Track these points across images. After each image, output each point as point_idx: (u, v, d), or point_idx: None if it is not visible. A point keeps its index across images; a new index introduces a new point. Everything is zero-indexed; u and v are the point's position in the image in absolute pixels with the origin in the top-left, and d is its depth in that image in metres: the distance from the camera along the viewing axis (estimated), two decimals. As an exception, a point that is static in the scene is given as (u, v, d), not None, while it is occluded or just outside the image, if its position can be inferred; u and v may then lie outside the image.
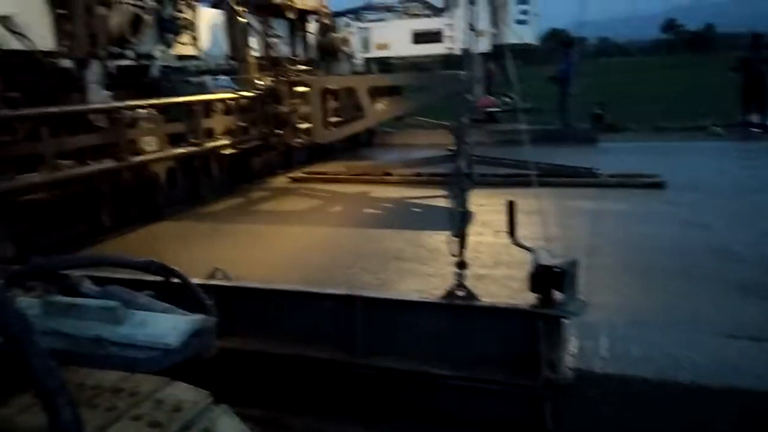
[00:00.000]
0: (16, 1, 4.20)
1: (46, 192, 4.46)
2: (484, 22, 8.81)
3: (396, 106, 7.88)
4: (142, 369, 1.78)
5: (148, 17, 4.97)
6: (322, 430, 2.66)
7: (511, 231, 2.62)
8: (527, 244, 2.58)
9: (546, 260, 2.41)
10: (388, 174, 6.84)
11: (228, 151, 6.25)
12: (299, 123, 6.98)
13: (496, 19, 9.51)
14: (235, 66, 6.90)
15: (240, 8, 6.50)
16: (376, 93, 7.32)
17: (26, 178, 4.04)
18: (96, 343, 1.81)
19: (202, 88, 6.31)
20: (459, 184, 2.51)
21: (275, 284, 2.95)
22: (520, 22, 9.54)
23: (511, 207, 2.61)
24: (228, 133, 6.26)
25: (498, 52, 9.30)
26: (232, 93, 6.50)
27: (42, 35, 4.37)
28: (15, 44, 4.17)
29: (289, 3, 7.31)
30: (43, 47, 4.36)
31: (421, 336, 2.63)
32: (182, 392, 2.00)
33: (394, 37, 9.92)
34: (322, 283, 3.13)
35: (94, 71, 5.10)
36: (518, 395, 2.48)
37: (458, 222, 2.54)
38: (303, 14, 8.00)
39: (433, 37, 9.82)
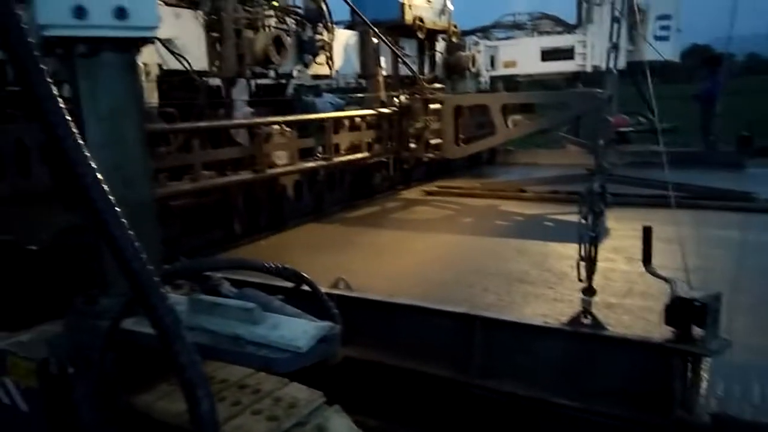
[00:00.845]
0: (178, 26, 4.68)
1: (191, 199, 4.90)
2: (621, 39, 8.44)
3: (528, 124, 7.86)
4: (275, 369, 1.91)
5: (290, 39, 5.31)
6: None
7: (647, 259, 2.48)
8: (664, 273, 2.42)
9: (685, 292, 2.25)
10: (523, 191, 6.84)
11: (352, 166, 6.48)
12: (431, 139, 7.26)
13: (633, 35, 9.04)
14: (362, 84, 7.22)
15: (373, 29, 6.75)
16: (508, 110, 7.44)
17: (177, 185, 4.47)
18: (234, 341, 1.96)
19: (312, 107, 6.69)
20: (590, 205, 2.41)
21: (395, 298, 3.01)
22: (660, 38, 9.00)
23: (647, 233, 2.47)
24: (353, 148, 6.49)
25: (634, 69, 8.83)
26: (363, 110, 6.78)
27: (197, 56, 4.83)
28: (174, 64, 4.64)
29: (420, 24, 7.48)
30: (197, 67, 4.80)
31: (541, 362, 2.55)
32: (298, 392, 2.13)
33: (521, 55, 9.77)
34: (443, 300, 3.12)
35: (239, 89, 5.56)
36: (645, 434, 2.32)
37: (587, 245, 2.43)
38: (432, 34, 8.14)
39: (563, 54, 9.55)
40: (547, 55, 9.67)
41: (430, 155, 7.33)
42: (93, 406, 2.18)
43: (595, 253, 2.45)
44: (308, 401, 2.09)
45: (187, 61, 4.60)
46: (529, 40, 9.93)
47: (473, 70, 8.74)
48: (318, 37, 5.81)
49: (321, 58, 6.02)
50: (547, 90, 10.20)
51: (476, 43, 9.56)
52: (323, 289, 2.34)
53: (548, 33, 9.84)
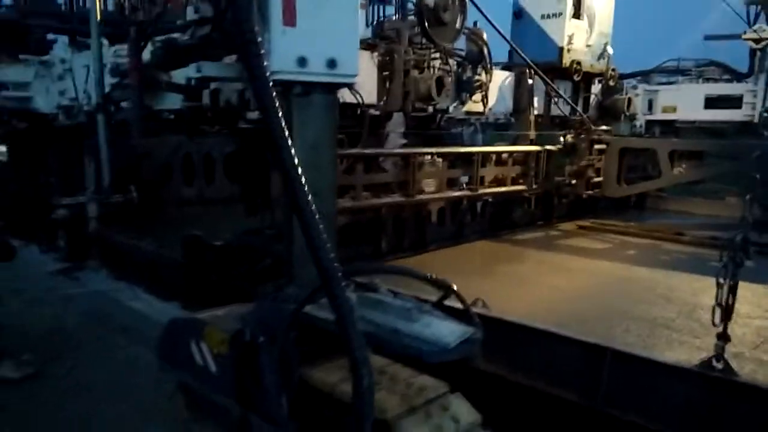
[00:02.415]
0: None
1: (348, 216, 5.50)
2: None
3: (694, 171, 7.79)
4: (426, 359, 2.30)
5: (450, 79, 5.79)
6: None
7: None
8: None
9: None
10: (681, 234, 6.84)
11: (495, 198, 6.79)
12: (592, 177, 7.64)
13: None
14: (511, 120, 7.56)
15: (529, 71, 7.05)
16: (674, 156, 7.55)
17: (341, 202, 5.09)
18: (393, 333, 2.39)
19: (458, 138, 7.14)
20: (731, 254, 2.53)
21: (528, 321, 3.26)
22: None
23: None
24: (497, 182, 6.80)
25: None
26: (512, 146, 7.09)
27: (368, 91, 5.46)
28: (348, 98, 5.30)
29: (577, 67, 7.65)
30: (367, 101, 5.43)
31: (667, 399, 2.67)
32: (427, 380, 2.52)
33: (683, 101, 9.47)
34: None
35: (395, 120, 6.15)
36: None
37: (725, 293, 2.55)
38: (589, 76, 8.24)
39: (730, 102, 9.12)
40: (712, 102, 9.30)
41: (590, 192, 7.69)
42: (274, 373, 2.70)
43: (733, 300, 2.54)
44: (435, 388, 2.46)
45: (360, 96, 5.23)
46: (693, 86, 9.62)
47: (628, 113, 8.66)
48: (476, 77, 6.23)
49: (477, 96, 6.42)
50: (710, 138, 9.74)
51: (635, 87, 9.44)
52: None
53: (714, 80, 9.45)
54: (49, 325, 4.65)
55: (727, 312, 2.56)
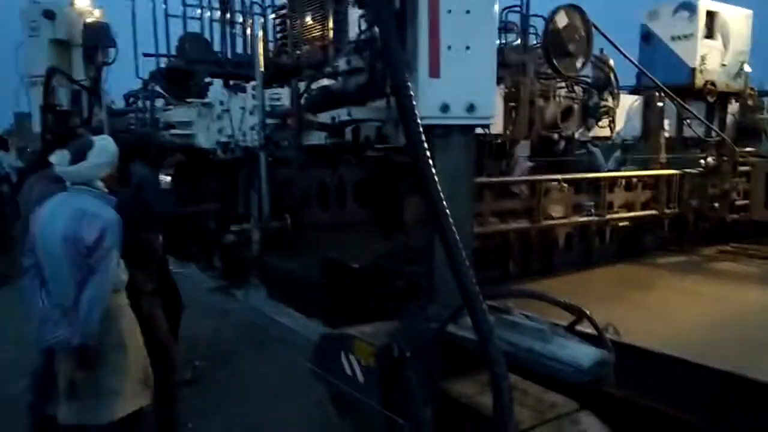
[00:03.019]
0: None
1: (477, 241, 5.75)
2: None
3: None
4: (561, 378, 2.51)
5: (576, 107, 5.91)
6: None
7: None
8: None
9: None
10: None
11: (622, 224, 6.70)
12: (736, 200, 7.33)
13: None
14: (639, 144, 7.41)
15: (658, 93, 6.95)
16: None
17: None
18: (529, 353, 2.62)
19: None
20: None
21: (659, 347, 3.32)
22: None
23: None
24: (627, 206, 6.71)
25: None
26: (642, 170, 6.98)
27: (495, 122, 5.71)
28: (478, 130, 5.59)
29: (711, 88, 7.39)
30: (493, 131, 5.69)
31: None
32: (557, 397, 2.71)
33: (838, 118, 8.70)
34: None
35: (522, 146, 6.34)
36: None
37: None
38: (724, 96, 7.90)
39: None
40: None
41: (735, 216, 7.36)
42: (420, 385, 3.03)
43: None
44: (565, 404, 2.64)
45: (487, 126, 5.50)
46: None
47: (770, 133, 8.16)
48: (603, 103, 6.27)
49: (603, 121, 6.45)
50: None
51: (778, 104, 8.84)
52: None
53: None
54: (211, 336, 5.34)
55: None
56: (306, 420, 3.80)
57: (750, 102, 8.02)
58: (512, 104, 5.74)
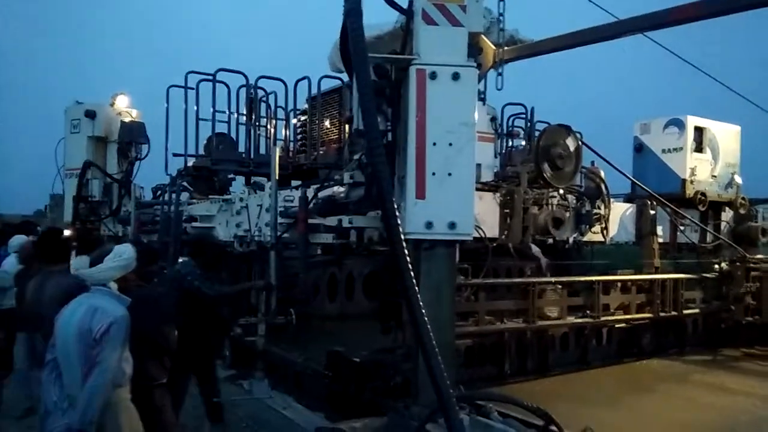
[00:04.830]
0: (480, 204, 6.09)
1: (471, 339, 6.00)
2: None
3: None
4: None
5: (568, 213, 6.34)
6: None
7: None
8: None
9: None
10: None
11: (619, 326, 6.91)
12: (751, 304, 7.81)
13: None
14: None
15: (651, 202, 7.37)
16: None
17: (464, 326, 5.65)
18: (497, 453, 2.87)
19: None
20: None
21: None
22: None
23: None
24: (623, 309, 6.95)
25: None
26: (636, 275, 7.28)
27: (491, 226, 6.14)
28: (473, 233, 6.01)
29: (702, 198, 7.80)
30: (490, 235, 6.10)
31: None
32: None
33: (832, 226, 8.99)
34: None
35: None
36: None
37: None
38: (716, 205, 8.30)
39: None
40: None
41: (749, 318, 7.79)
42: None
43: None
44: None
45: (484, 231, 5.91)
46: (842, 211, 9.14)
47: (763, 240, 8.45)
48: (595, 211, 6.70)
49: (596, 228, 6.85)
50: None
51: (775, 212, 9.21)
52: (569, 432, 3.11)
53: None
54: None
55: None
56: None
57: (742, 211, 8.40)
58: (507, 211, 6.19)
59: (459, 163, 3.51)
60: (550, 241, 6.56)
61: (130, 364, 3.41)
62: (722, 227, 8.45)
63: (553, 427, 3.01)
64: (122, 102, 11.31)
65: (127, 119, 11.05)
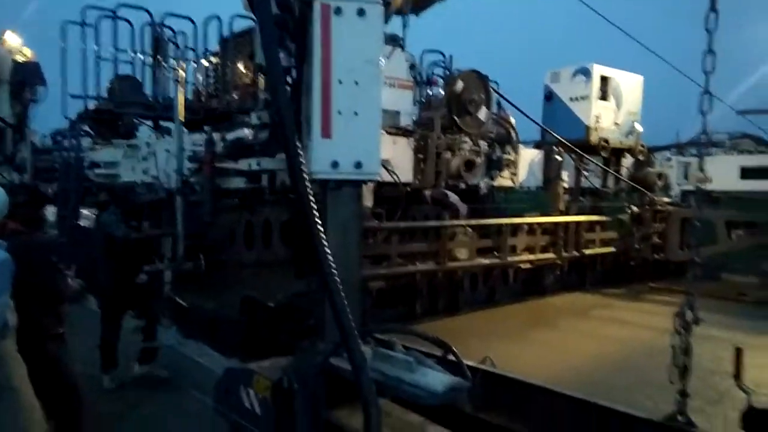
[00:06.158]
0: (395, 149, 6.13)
1: (384, 281, 6.13)
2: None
3: (748, 239, 8.47)
4: (418, 402, 2.87)
5: (480, 159, 6.49)
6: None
7: (737, 375, 2.96)
8: (752, 388, 2.88)
9: (761, 403, 2.72)
10: (743, 294, 7.54)
11: (525, 266, 7.26)
12: (656, 242, 8.63)
13: None
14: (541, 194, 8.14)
15: (557, 148, 7.66)
16: (731, 226, 8.43)
17: (376, 269, 5.75)
18: (397, 381, 2.98)
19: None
20: (681, 320, 3.00)
21: (525, 377, 3.76)
22: None
23: (738, 353, 2.97)
24: (529, 250, 7.30)
25: None
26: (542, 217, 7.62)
27: (405, 171, 6.20)
28: (387, 177, 6.05)
29: (605, 144, 8.20)
30: (404, 180, 6.17)
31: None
32: (435, 428, 3.03)
33: (718, 172, 9.71)
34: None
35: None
36: None
37: (679, 354, 3.01)
38: (618, 151, 8.75)
39: (766, 173, 9.34)
40: (748, 173, 9.52)
41: (656, 256, 8.60)
42: (306, 414, 3.32)
43: (689, 361, 3.00)
44: None
45: (398, 176, 5.96)
46: (729, 158, 9.89)
47: (660, 184, 9.05)
48: (505, 156, 6.89)
49: (506, 173, 7.07)
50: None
51: (669, 159, 9.82)
52: (469, 362, 3.28)
53: (749, 152, 9.72)
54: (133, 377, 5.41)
55: (683, 372, 3.01)
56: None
57: (641, 157, 8.92)
58: (421, 156, 6.26)
59: (365, 103, 3.48)
60: (463, 185, 6.72)
61: (15, 314, 3.24)
62: (623, 173, 8.95)
63: (451, 357, 3.15)
64: (13, 39, 10.34)
65: (20, 59, 10.15)
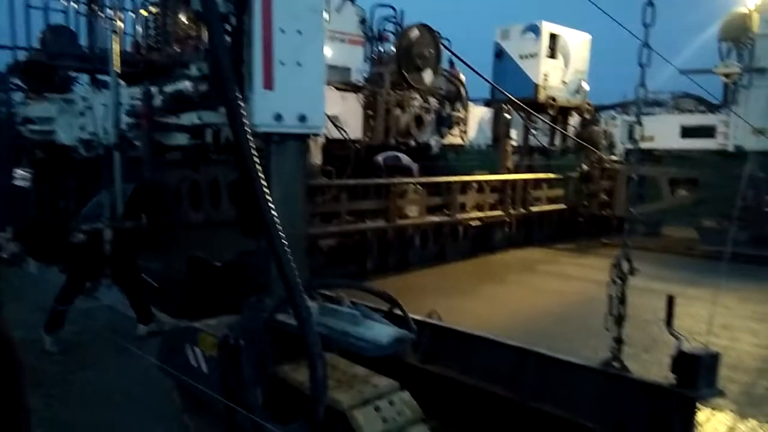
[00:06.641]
0: (343, 105, 6.02)
1: (334, 239, 6.11)
2: (766, 121, 8.51)
3: (690, 195, 9.02)
4: (364, 354, 2.89)
5: (429, 116, 6.45)
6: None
7: (668, 321, 3.09)
8: (683, 334, 3.02)
9: (688, 348, 2.85)
10: (691, 248, 8.04)
11: (474, 223, 7.36)
12: (604, 199, 9.08)
13: (780, 118, 9.00)
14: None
15: (506, 106, 7.70)
16: (674, 182, 8.97)
17: (326, 227, 5.71)
18: (343, 335, 2.98)
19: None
20: (618, 270, 3.10)
21: (469, 329, 3.84)
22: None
23: (670, 300, 3.09)
24: (477, 207, 7.39)
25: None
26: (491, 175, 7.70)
27: (355, 128, 6.12)
28: (336, 134, 5.96)
29: (552, 102, 8.29)
30: (354, 137, 6.09)
31: (577, 392, 3.24)
32: (381, 380, 3.08)
33: (660, 130, 10.00)
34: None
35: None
36: (649, 461, 2.91)
37: (616, 304, 3.12)
38: (565, 110, 8.87)
39: (705, 132, 9.67)
40: (688, 132, 9.83)
41: (603, 212, 9.03)
42: (252, 369, 3.30)
43: (624, 309, 3.11)
44: (387, 386, 3.04)
45: (347, 132, 5.88)
46: (670, 117, 10.15)
47: (605, 143, 9.25)
48: (455, 113, 6.88)
49: (456, 130, 7.07)
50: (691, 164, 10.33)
51: (614, 118, 10.02)
52: (416, 316, 3.31)
53: (690, 111, 10.01)
54: (76, 339, 5.25)
55: (619, 320, 3.13)
56: (161, 417, 3.94)
57: (587, 116, 9.08)
58: (370, 113, 6.18)
59: (309, 53, 3.36)
60: (413, 143, 6.69)
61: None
62: (570, 131, 9.10)
63: (397, 310, 3.16)
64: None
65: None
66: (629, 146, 10.14)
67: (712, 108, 9.82)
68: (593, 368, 3.22)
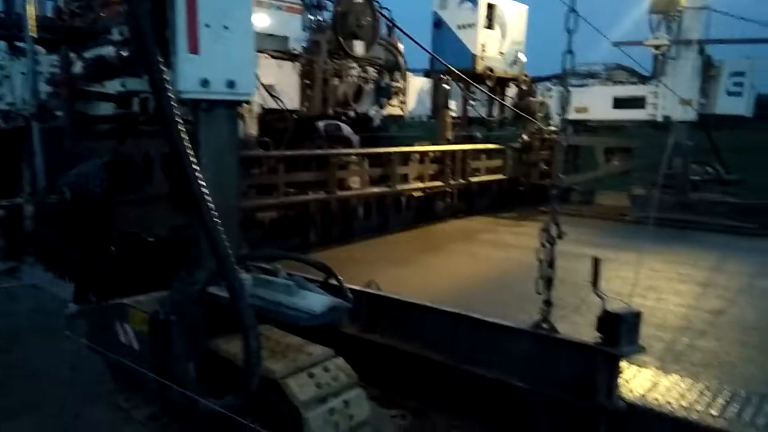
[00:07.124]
0: (279, 74, 5.86)
1: (275, 212, 6.01)
2: (692, 92, 8.86)
3: (623, 164, 9.36)
4: (299, 324, 2.86)
5: (368, 87, 6.37)
6: (423, 412, 3.50)
7: (594, 282, 3.19)
8: (608, 295, 3.13)
9: (612, 308, 2.97)
10: (624, 215, 8.33)
11: (416, 194, 7.40)
12: (543, 169, 9.38)
13: (706, 89, 9.42)
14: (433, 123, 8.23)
15: (445, 77, 7.70)
16: (609, 152, 9.34)
17: (264, 199, 5.60)
18: (277, 306, 2.94)
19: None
20: (547, 235, 3.18)
21: (406, 297, 3.87)
22: (733, 93, 9.25)
23: (596, 262, 3.19)
24: (419, 178, 7.42)
25: (706, 121, 9.22)
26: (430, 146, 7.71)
27: (291, 98, 5.98)
28: (273, 104, 5.81)
29: (490, 73, 8.35)
30: (290, 107, 5.95)
31: (508, 354, 3.33)
32: (316, 348, 3.07)
33: (593, 101, 10.26)
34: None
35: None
36: (576, 415, 3.03)
37: (545, 266, 3.20)
38: (503, 81, 8.96)
39: (635, 103, 9.98)
40: (620, 103, 10.13)
41: (543, 182, 9.19)
42: (184, 344, 3.22)
43: (553, 272, 3.20)
44: (322, 353, 3.04)
45: (283, 102, 5.74)
46: (602, 89, 10.42)
47: (541, 114, 9.43)
48: (394, 83, 6.82)
49: (395, 101, 7.02)
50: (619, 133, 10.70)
51: (549, 89, 10.20)
52: (354, 286, 3.30)
53: (622, 83, 10.28)
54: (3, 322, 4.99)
55: (548, 283, 3.22)
56: (90, 398, 3.80)
57: (524, 87, 9.21)
58: (307, 82, 6.05)
59: (236, 16, 3.22)
60: (352, 113, 6.61)
61: None
62: (507, 102, 9.22)
63: (333, 280, 3.14)
64: None
65: None
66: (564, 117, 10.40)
67: (643, 79, 10.13)
68: (523, 330, 3.31)
